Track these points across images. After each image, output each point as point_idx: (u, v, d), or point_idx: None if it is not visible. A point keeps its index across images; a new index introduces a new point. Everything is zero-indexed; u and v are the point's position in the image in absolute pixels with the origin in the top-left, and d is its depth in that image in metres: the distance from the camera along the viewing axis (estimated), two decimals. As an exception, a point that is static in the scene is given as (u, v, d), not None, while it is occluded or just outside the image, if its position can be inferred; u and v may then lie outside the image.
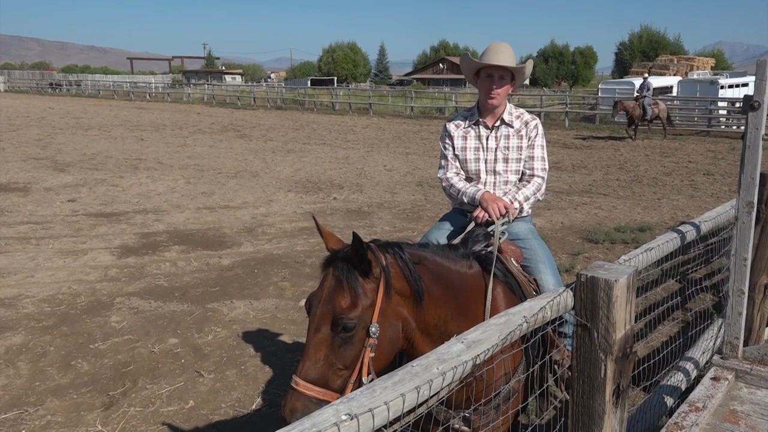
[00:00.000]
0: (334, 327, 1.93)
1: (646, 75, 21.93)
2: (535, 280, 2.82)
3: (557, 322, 2.56)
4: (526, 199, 2.99)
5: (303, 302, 2.07)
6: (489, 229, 2.78)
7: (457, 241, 2.85)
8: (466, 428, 2.26)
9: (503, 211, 2.85)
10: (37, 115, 28.91)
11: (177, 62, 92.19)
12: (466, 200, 3.02)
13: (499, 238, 2.69)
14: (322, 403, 1.84)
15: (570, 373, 2.73)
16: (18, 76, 68.02)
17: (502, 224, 2.82)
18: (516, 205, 2.94)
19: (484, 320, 2.27)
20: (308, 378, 1.91)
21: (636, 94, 19.76)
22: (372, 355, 1.98)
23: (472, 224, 2.89)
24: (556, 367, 2.73)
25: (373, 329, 1.98)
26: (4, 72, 70.20)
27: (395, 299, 2.05)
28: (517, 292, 2.60)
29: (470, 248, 2.59)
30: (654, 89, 27.10)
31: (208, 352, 4.97)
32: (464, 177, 3.13)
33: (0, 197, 10.87)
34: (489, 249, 2.64)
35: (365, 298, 1.97)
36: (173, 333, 5.33)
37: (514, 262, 2.77)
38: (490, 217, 2.84)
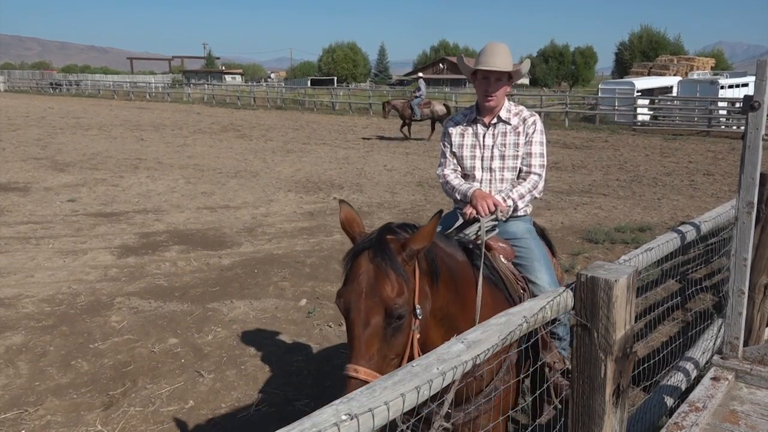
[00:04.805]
0: (387, 318, 1.88)
1: (420, 75, 22.48)
2: (524, 277, 2.82)
3: (550, 324, 2.55)
4: (521, 196, 2.96)
5: (335, 300, 1.98)
6: (476, 226, 2.76)
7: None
8: (447, 424, 2.24)
9: (492, 209, 2.84)
10: (37, 115, 28.90)
11: (177, 62, 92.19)
12: (459, 197, 3.04)
13: (486, 234, 2.68)
14: None
15: (562, 380, 2.73)
16: (18, 76, 68.01)
17: (492, 221, 2.81)
18: (509, 202, 2.92)
19: (475, 309, 2.29)
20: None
21: (418, 94, 20.23)
22: (418, 336, 1.98)
23: (460, 221, 2.90)
24: (547, 369, 2.72)
25: (418, 310, 1.97)
26: (4, 72, 70.21)
27: (421, 279, 2.05)
28: (501, 288, 2.61)
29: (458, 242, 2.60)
30: (654, 89, 27.15)
31: (208, 352, 4.97)
32: (461, 174, 3.14)
33: (0, 197, 10.87)
34: (478, 242, 2.63)
35: (409, 281, 1.96)
36: (173, 333, 5.33)
37: (503, 259, 2.77)
38: (478, 213, 2.84)
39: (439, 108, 20.21)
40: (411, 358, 1.97)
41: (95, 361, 4.81)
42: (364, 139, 20.69)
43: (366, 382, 1.79)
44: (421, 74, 23.08)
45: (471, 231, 2.73)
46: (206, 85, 50.03)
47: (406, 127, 20.58)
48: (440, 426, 2.15)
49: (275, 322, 5.58)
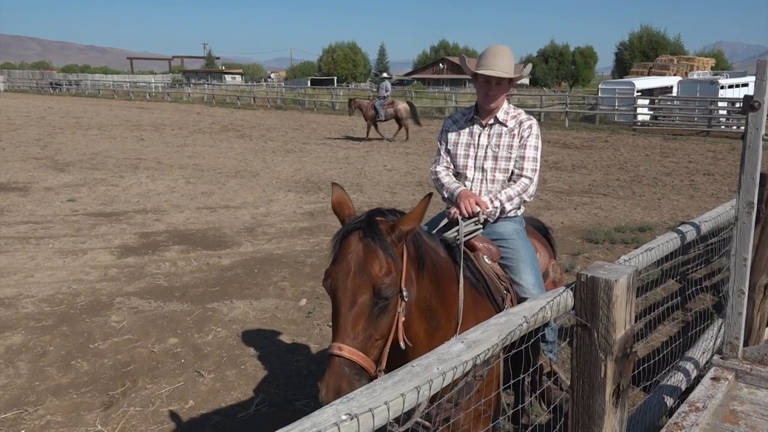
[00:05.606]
0: (375, 297, 1.89)
1: (385, 75, 22.33)
2: (509, 278, 2.82)
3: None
4: (509, 199, 2.93)
5: (323, 281, 1.99)
6: (458, 226, 2.73)
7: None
8: (426, 422, 2.24)
9: (474, 209, 2.82)
10: (37, 115, 28.90)
11: (177, 62, 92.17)
12: (446, 195, 3.06)
13: (466, 235, 2.67)
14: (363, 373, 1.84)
15: (551, 384, 2.72)
16: (18, 76, 68.01)
17: (474, 223, 2.80)
18: (496, 204, 2.91)
19: (457, 307, 2.31)
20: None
21: (383, 94, 20.16)
22: (403, 319, 1.99)
23: (445, 221, 2.90)
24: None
25: (405, 293, 1.97)
26: (4, 72, 70.19)
27: (408, 263, 2.05)
28: (482, 288, 2.62)
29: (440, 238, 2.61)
30: (654, 89, 27.13)
31: (208, 352, 4.97)
32: (453, 172, 3.16)
33: (0, 197, 10.87)
34: (457, 243, 2.63)
35: (398, 262, 1.96)
36: (173, 333, 5.33)
37: (486, 260, 2.77)
38: (459, 213, 2.84)
39: (403, 107, 20.13)
40: (395, 342, 1.98)
41: (95, 361, 4.81)
42: (363, 139, 20.68)
43: (350, 361, 1.81)
44: (386, 74, 23.05)
45: (453, 234, 2.73)
46: (206, 85, 50.03)
47: (371, 128, 20.40)
48: (420, 425, 2.16)
49: (275, 322, 5.58)
